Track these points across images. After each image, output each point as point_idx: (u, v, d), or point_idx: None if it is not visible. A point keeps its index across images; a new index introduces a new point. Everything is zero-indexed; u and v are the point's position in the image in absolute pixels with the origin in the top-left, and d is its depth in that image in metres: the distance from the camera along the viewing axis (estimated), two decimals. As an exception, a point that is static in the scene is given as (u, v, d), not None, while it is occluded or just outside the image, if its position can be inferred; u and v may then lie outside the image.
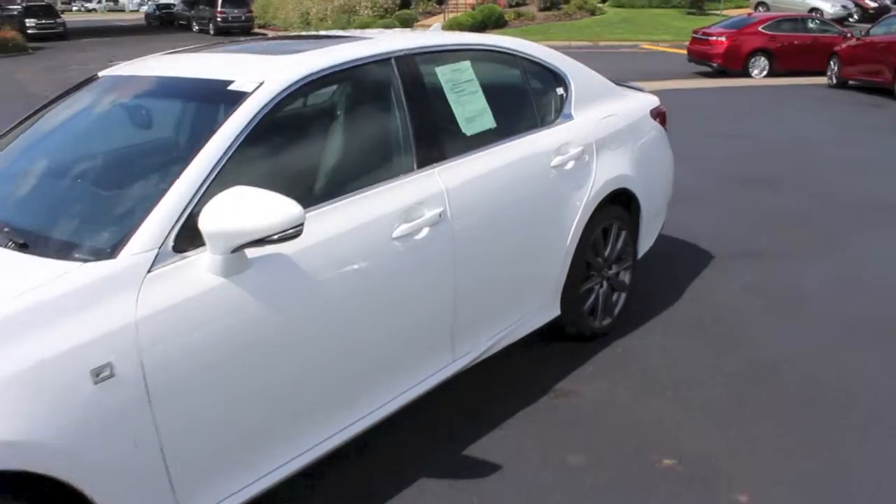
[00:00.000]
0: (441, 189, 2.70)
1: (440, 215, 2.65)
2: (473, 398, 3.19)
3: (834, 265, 4.71)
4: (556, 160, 3.22)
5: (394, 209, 2.53)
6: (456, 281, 2.76)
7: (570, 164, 3.29)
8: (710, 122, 9.96)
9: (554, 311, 3.42)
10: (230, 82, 2.42)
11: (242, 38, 3.23)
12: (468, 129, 2.92)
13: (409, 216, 2.56)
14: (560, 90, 3.45)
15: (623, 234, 3.74)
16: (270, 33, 27.38)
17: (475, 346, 2.96)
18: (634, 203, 3.77)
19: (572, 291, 3.46)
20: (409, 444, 2.89)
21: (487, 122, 3.01)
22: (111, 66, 3.11)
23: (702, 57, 15.25)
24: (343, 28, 17.16)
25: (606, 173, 3.48)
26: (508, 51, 3.27)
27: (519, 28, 24.38)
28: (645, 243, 4.01)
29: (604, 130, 3.53)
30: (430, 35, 3.19)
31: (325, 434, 2.40)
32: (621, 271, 3.83)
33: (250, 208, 1.97)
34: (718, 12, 26.10)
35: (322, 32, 3.21)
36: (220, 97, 2.40)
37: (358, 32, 3.16)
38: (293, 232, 2.00)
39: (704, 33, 15.44)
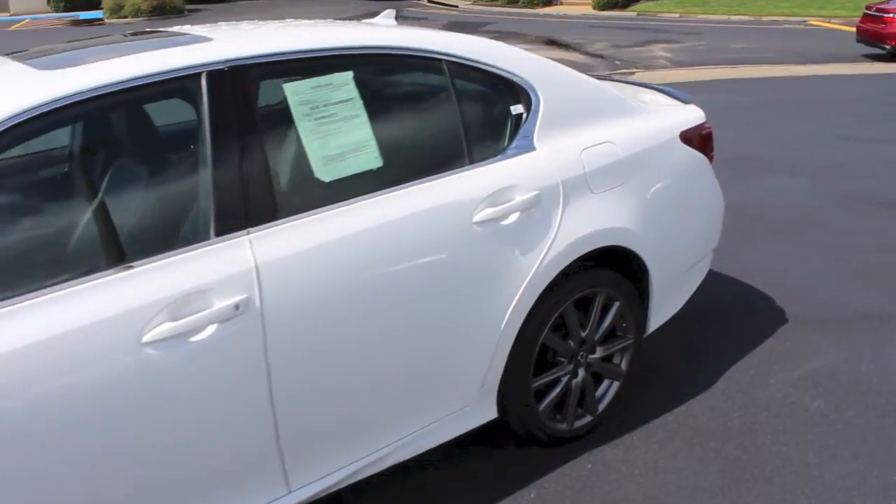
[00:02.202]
0: (248, 266, 1.87)
1: (237, 306, 1.83)
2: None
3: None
4: (485, 213, 2.27)
5: (153, 302, 1.74)
6: (273, 392, 1.93)
7: (513, 217, 2.33)
8: (859, 120, 8.20)
9: (486, 413, 2.50)
10: None
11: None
12: (327, 173, 2.05)
13: (178, 311, 1.77)
14: (517, 109, 2.47)
15: (616, 305, 2.72)
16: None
17: (329, 471, 2.13)
18: (639, 264, 2.74)
19: (518, 386, 2.52)
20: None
21: (366, 161, 2.12)
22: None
23: (872, 37, 12.91)
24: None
25: (581, 227, 2.48)
26: (428, 54, 2.31)
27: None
28: (660, 314, 2.95)
29: (583, 166, 2.51)
30: (317, 33, 2.32)
31: None
32: (615, 354, 2.82)
33: None
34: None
35: (153, 30, 2.42)
36: None
37: (197, 29, 2.34)
38: None
39: (879, 9, 13.03)
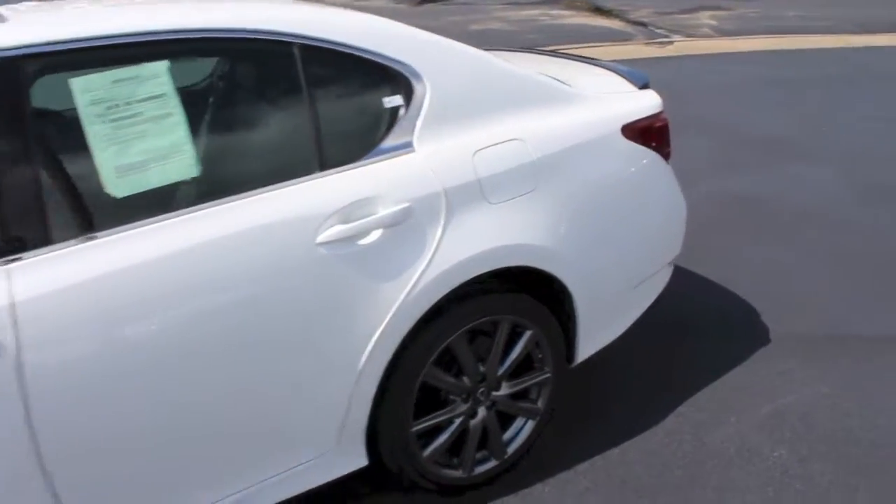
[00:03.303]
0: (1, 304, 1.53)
1: (-22, 350, 1.49)
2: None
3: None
4: (333, 231, 1.86)
5: None
6: (38, 442, 1.60)
7: (374, 236, 1.92)
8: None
9: (353, 461, 2.12)
10: None
11: None
12: (121, 187, 1.67)
13: None
14: (393, 102, 2.03)
15: (527, 335, 2.30)
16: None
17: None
18: (559, 286, 2.29)
19: (393, 430, 2.13)
20: None
21: (178, 169, 1.73)
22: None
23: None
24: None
25: (470, 244, 2.05)
26: (273, 36, 1.87)
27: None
28: (593, 341, 2.50)
29: (476, 170, 2.08)
30: (134, 14, 1.90)
31: None
32: (530, 389, 2.40)
33: None
34: None
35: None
36: None
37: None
38: None
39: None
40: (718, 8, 13.21)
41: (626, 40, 10.65)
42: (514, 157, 2.15)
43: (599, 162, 2.34)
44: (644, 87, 2.63)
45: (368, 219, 1.91)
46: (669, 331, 3.28)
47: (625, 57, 9.44)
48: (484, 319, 2.19)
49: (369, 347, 1.96)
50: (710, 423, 2.66)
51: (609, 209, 2.37)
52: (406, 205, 1.95)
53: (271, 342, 1.84)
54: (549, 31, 11.37)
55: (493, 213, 2.10)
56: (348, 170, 1.94)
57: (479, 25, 12.22)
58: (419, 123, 2.04)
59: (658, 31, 11.27)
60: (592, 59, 2.95)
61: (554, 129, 2.25)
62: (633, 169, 2.44)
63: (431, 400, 2.23)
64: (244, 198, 1.81)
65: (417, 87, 2.05)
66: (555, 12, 13.41)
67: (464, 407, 2.26)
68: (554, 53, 3.23)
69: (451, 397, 2.24)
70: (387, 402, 2.08)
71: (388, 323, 1.96)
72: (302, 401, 1.94)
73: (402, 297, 1.96)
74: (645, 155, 2.47)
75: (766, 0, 14.41)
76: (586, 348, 2.48)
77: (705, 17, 12.30)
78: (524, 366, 2.37)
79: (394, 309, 1.96)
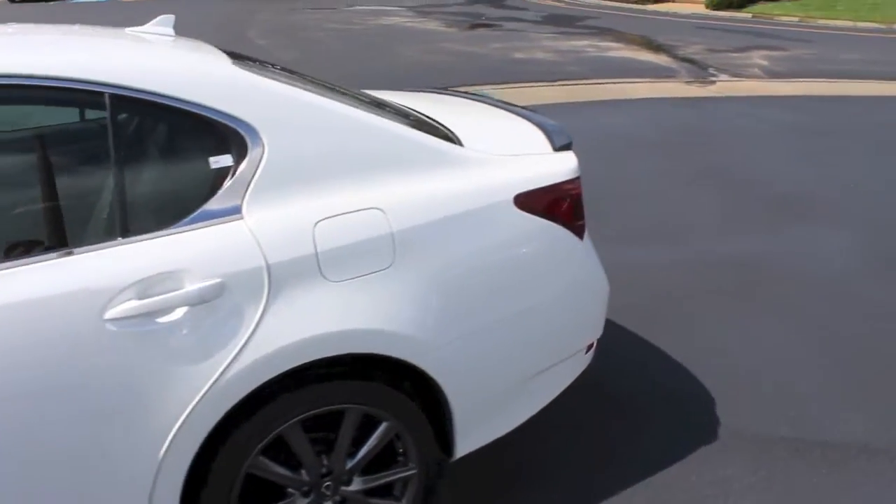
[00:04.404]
0: None
1: None
2: None
3: None
4: (124, 307, 1.63)
5: None
6: None
7: (176, 314, 1.69)
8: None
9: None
10: None
11: None
12: None
13: None
14: (221, 161, 1.80)
15: (383, 426, 2.02)
16: None
17: None
18: (421, 375, 2.01)
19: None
20: None
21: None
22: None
23: None
24: None
25: (296, 328, 1.79)
26: (81, 85, 1.65)
27: (794, 1, 20.08)
28: (477, 435, 2.19)
29: (315, 243, 1.82)
30: None
31: None
32: (394, 484, 2.12)
33: None
34: None
35: None
36: None
37: None
38: None
39: None
40: (773, 48, 12.64)
41: (668, 77, 10.24)
42: (367, 229, 1.89)
43: (480, 237, 2.05)
44: (563, 147, 2.33)
45: (171, 294, 1.68)
46: (609, 407, 2.96)
47: (661, 95, 9.05)
48: (323, 409, 1.92)
49: (169, 439, 1.72)
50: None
51: (491, 292, 2.08)
52: (217, 280, 1.71)
53: (43, 443, 1.62)
54: (590, 64, 11.05)
55: (333, 292, 1.84)
56: (156, 237, 1.72)
57: (522, 54, 11.99)
58: (251, 187, 1.80)
59: (704, 69, 10.81)
60: (521, 109, 2.67)
61: (424, 197, 1.98)
62: (526, 246, 2.15)
63: (277, 492, 1.98)
64: (24, 265, 1.61)
65: (253, 146, 1.81)
66: (603, 44, 13.08)
67: (304, 502, 1.99)
68: (481, 98, 2.95)
69: (290, 490, 1.99)
70: (206, 497, 1.84)
71: (190, 414, 1.72)
72: (85, 497, 1.71)
73: (207, 385, 1.72)
74: (546, 230, 2.17)
75: (828, 41, 13.76)
76: (468, 442, 2.18)
77: (757, 57, 11.76)
78: (389, 459, 2.10)
79: (199, 396, 1.72)
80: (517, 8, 19.19)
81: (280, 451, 1.94)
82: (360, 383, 1.97)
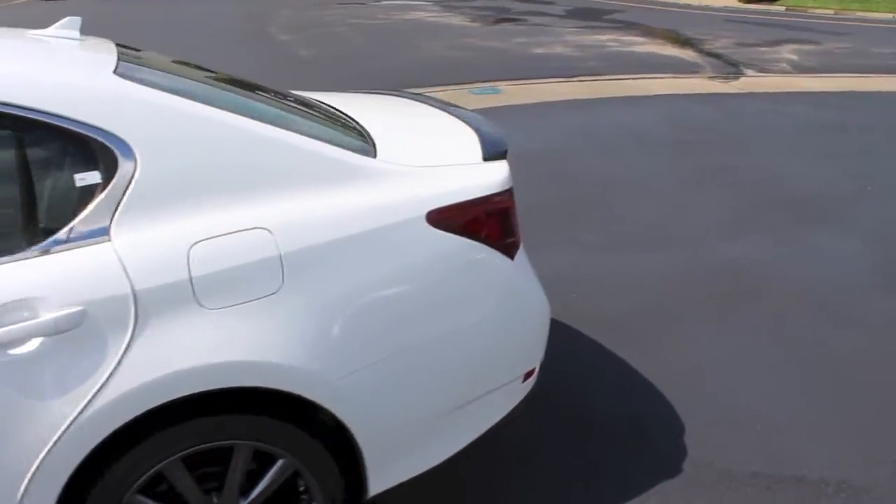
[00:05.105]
0: None
1: None
2: None
3: None
4: (-36, 338, 1.51)
5: None
6: None
7: (32, 344, 1.54)
8: None
9: None
10: None
11: None
12: None
13: None
14: (89, 179, 1.64)
15: (279, 463, 1.86)
16: None
17: None
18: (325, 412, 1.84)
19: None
20: None
21: None
22: None
23: None
24: None
25: (168, 360, 1.63)
26: None
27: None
28: (390, 473, 2.00)
29: (189, 267, 1.66)
30: None
31: None
32: (298, 523, 1.96)
33: None
34: None
35: None
36: None
37: None
38: None
39: None
40: (805, 42, 12.15)
41: (691, 73, 9.89)
42: (250, 251, 1.72)
43: (385, 258, 1.87)
44: (495, 157, 2.14)
45: (23, 324, 1.54)
46: (567, 432, 2.77)
47: (681, 91, 8.72)
48: (209, 445, 1.77)
49: (27, 479, 1.59)
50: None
51: (398, 319, 1.90)
52: (77, 308, 1.57)
53: None
54: (611, 59, 10.74)
55: (210, 321, 1.68)
56: (10, 262, 1.58)
57: (542, 49, 11.73)
58: (121, 206, 1.65)
59: (730, 64, 10.42)
60: (467, 113, 2.47)
61: (321, 215, 1.81)
62: (440, 268, 1.96)
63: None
64: None
65: (124, 162, 1.66)
66: (627, 39, 12.73)
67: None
68: (419, 98, 2.75)
69: (176, 532, 1.84)
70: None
71: (49, 454, 1.58)
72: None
73: (66, 423, 1.58)
74: (465, 250, 1.98)
75: (863, 34, 13.20)
76: (383, 480, 2.01)
77: (787, 51, 11.30)
78: (291, 497, 1.94)
79: (56, 436, 1.58)
80: (543, 2, 18.83)
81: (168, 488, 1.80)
82: (250, 418, 1.81)
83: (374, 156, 1.98)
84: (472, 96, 8.54)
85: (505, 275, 2.08)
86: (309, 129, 1.98)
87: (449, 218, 1.94)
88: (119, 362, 1.61)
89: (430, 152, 2.14)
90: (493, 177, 2.06)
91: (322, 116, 2.21)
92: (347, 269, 1.82)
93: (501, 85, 9.05)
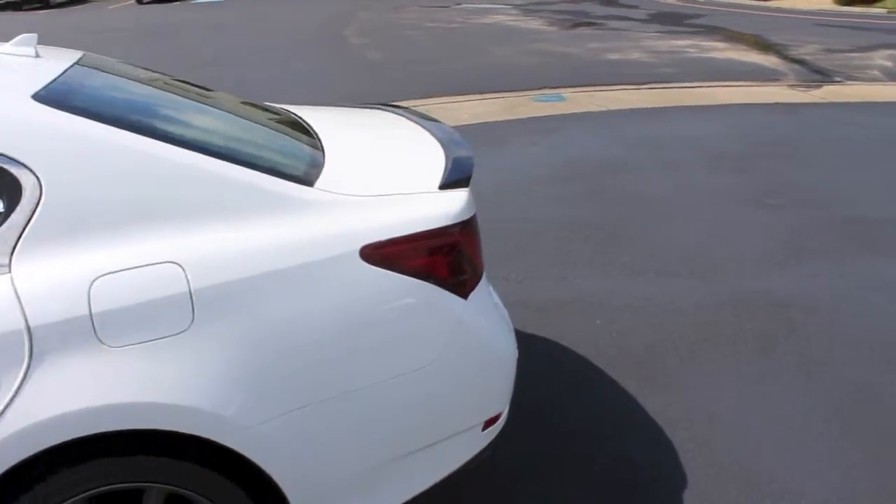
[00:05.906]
0: None
1: None
2: None
3: None
4: None
5: None
6: None
7: (-86, 380, 1.50)
8: None
9: None
10: None
11: None
12: None
13: None
14: (-7, 205, 1.60)
15: (197, 508, 1.76)
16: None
17: None
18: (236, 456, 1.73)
19: None
20: None
21: None
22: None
23: None
24: None
25: (64, 400, 1.54)
26: None
27: None
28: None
29: (90, 303, 1.56)
30: None
31: None
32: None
33: None
34: None
35: None
36: None
37: None
38: None
39: None
40: (903, 46, 11.29)
41: (772, 80, 9.33)
42: (158, 287, 1.62)
43: (311, 296, 1.73)
44: (453, 184, 1.96)
45: None
46: (554, 487, 2.54)
47: (756, 100, 8.22)
48: (116, 487, 1.68)
49: None
50: None
51: (324, 362, 1.75)
52: (-36, 342, 1.51)
53: None
54: (687, 66, 10.28)
55: (111, 359, 1.59)
56: None
57: (617, 55, 11.36)
58: (23, 237, 1.59)
59: (815, 71, 9.78)
60: (446, 131, 2.31)
61: (240, 249, 1.69)
62: (375, 308, 1.80)
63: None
64: None
65: (27, 190, 1.60)
66: (707, 44, 12.18)
67: None
68: (405, 114, 2.58)
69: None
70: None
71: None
72: None
73: (-46, 458, 1.52)
74: (409, 287, 1.82)
75: (973, 38, 12.14)
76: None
77: (880, 58, 10.52)
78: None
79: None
80: (627, 6, 18.32)
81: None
82: (162, 460, 1.71)
83: (312, 183, 1.85)
84: (534, 103, 8.33)
85: (454, 316, 1.90)
86: (247, 155, 1.88)
87: (386, 254, 1.79)
88: (10, 401, 1.54)
89: (383, 178, 1.99)
90: (444, 208, 1.89)
91: (276, 138, 2.10)
92: (268, 308, 1.70)
93: (567, 92, 8.80)
